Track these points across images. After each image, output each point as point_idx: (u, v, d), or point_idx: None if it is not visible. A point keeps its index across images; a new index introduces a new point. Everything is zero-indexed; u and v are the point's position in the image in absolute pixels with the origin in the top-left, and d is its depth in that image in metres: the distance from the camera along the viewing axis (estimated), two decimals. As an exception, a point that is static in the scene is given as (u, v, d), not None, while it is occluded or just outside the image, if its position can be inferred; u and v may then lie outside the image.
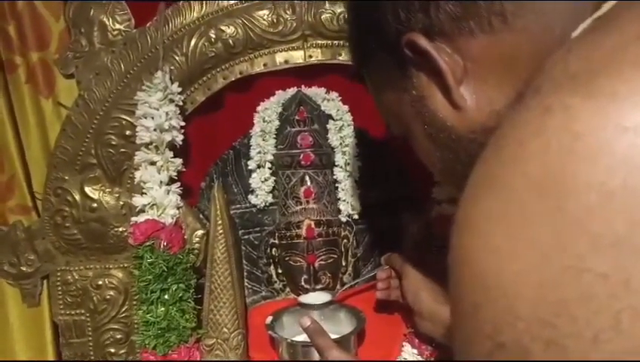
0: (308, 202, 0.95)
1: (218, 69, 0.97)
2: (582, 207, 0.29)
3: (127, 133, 0.96)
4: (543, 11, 0.43)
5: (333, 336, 0.79)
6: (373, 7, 0.50)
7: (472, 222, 0.34)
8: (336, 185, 0.96)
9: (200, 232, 0.95)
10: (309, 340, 0.76)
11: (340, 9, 0.94)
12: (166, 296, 0.88)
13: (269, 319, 0.90)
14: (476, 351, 0.33)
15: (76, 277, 1.02)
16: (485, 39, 0.45)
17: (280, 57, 0.98)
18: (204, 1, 0.96)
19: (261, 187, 0.96)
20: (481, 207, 0.34)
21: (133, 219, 0.91)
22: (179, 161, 0.93)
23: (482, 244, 0.33)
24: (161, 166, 0.91)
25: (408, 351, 0.93)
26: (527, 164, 0.32)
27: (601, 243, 0.29)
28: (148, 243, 0.88)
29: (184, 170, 0.95)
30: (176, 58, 0.95)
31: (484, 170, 0.35)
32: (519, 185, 0.32)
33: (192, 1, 0.96)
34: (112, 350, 1.03)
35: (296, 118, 0.97)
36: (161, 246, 0.88)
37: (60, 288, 1.03)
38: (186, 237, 0.93)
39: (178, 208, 0.93)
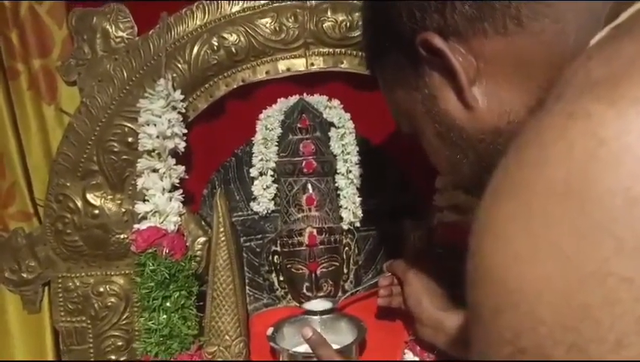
0: (310, 209, 0.95)
1: (220, 77, 0.98)
2: (606, 212, 0.29)
3: (130, 140, 0.96)
4: (558, 17, 0.43)
5: (335, 346, 0.79)
6: (389, 6, 0.51)
7: (493, 226, 0.34)
8: (338, 192, 0.96)
9: (202, 239, 0.95)
10: (310, 351, 0.76)
11: (341, 17, 0.95)
12: (168, 304, 0.88)
13: (270, 330, 0.90)
14: (496, 356, 0.33)
15: (77, 284, 1.02)
16: (499, 41, 0.45)
17: (282, 65, 0.98)
18: (206, 9, 0.96)
19: (263, 194, 0.96)
20: (502, 210, 0.34)
21: (136, 226, 0.90)
22: (181, 168, 0.93)
23: (504, 248, 0.33)
24: (164, 173, 0.91)
25: (410, 359, 0.93)
26: (550, 168, 0.32)
27: (625, 247, 0.29)
28: (150, 251, 0.87)
29: (186, 177, 0.94)
30: (179, 65, 0.95)
31: (505, 174, 0.35)
32: (542, 189, 0.32)
33: (194, 9, 0.96)
34: (113, 357, 1.03)
35: (299, 125, 0.97)
36: (163, 253, 0.88)
37: (60, 295, 1.03)
38: (188, 244, 0.93)
39: (180, 215, 0.93)
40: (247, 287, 0.99)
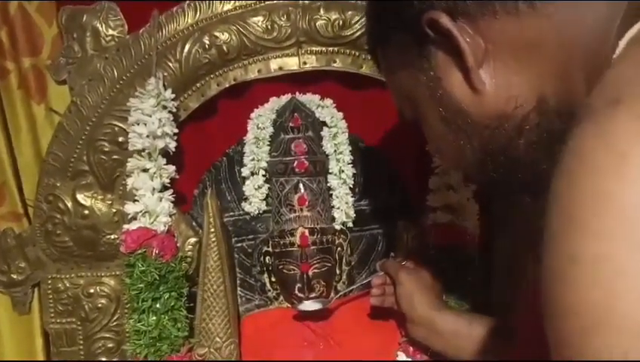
0: (302, 210, 0.94)
1: (212, 76, 0.97)
2: None
3: (120, 139, 0.95)
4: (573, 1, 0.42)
5: None
6: None
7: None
8: (331, 192, 0.95)
9: (193, 240, 0.94)
10: None
11: (334, 15, 0.94)
12: (158, 305, 0.87)
13: None
14: None
15: (67, 285, 1.01)
16: (509, 22, 0.44)
17: (274, 64, 0.97)
18: (198, 7, 0.95)
19: (255, 194, 0.95)
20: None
21: (125, 226, 0.90)
22: (172, 168, 0.92)
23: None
24: (154, 173, 0.90)
25: (402, 360, 0.92)
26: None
27: None
28: (139, 251, 0.87)
29: (177, 177, 0.94)
30: (170, 64, 0.94)
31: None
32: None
33: (185, 7, 0.95)
34: (104, 359, 1.02)
35: (291, 124, 0.96)
36: (153, 254, 0.87)
37: (50, 296, 1.02)
38: (178, 244, 0.92)
39: (171, 215, 0.92)
40: (238, 288, 0.98)
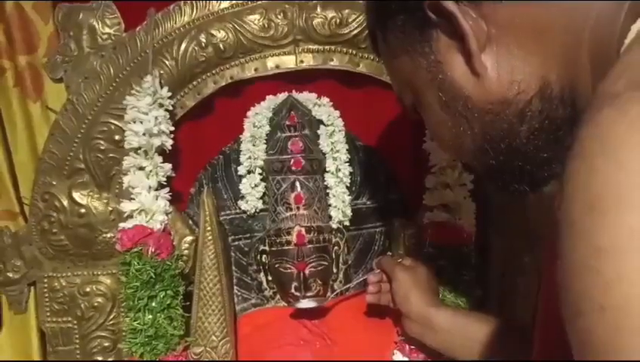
0: (298, 208, 0.93)
1: (208, 74, 0.97)
2: None
3: (116, 137, 0.95)
4: None
5: None
6: None
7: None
8: (327, 191, 0.95)
9: (189, 238, 0.94)
10: None
11: (331, 14, 0.94)
12: (153, 303, 0.87)
13: None
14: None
15: (63, 284, 1.01)
16: (514, 6, 0.43)
17: (271, 62, 0.97)
18: (194, 5, 0.95)
19: (251, 193, 0.94)
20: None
21: (121, 224, 0.89)
22: (168, 166, 0.92)
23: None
24: (150, 171, 0.90)
25: (399, 359, 0.92)
26: None
27: None
28: (135, 250, 0.87)
29: (173, 175, 0.94)
30: (166, 62, 0.94)
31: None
32: None
33: (182, 5, 0.95)
34: (100, 358, 1.01)
35: (287, 123, 0.96)
36: (149, 252, 0.87)
37: (46, 295, 1.01)
38: (174, 243, 0.92)
39: (167, 214, 0.92)
40: (235, 287, 0.97)
